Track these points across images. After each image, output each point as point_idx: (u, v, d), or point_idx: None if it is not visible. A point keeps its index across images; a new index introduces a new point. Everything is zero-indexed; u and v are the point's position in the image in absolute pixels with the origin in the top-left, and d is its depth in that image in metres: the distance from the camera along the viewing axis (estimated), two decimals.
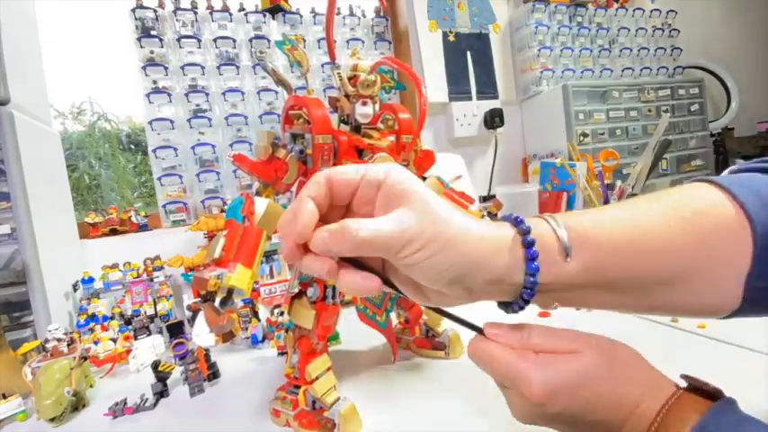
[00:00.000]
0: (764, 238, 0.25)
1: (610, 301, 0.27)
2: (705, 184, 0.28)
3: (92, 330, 0.72)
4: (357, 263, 0.24)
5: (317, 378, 0.42)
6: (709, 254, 0.26)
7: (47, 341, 0.60)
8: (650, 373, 0.26)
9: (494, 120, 1.35)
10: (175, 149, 1.04)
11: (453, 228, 0.24)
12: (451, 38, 1.36)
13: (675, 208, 0.27)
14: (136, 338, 0.71)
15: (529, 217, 0.27)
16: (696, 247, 0.26)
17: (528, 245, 0.25)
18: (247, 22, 1.12)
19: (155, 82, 1.03)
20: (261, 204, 0.40)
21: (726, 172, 0.32)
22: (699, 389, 0.25)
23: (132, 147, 1.51)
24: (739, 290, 0.26)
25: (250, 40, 1.11)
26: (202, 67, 1.07)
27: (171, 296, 0.82)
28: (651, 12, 1.56)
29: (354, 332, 0.63)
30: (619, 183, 0.95)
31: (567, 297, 0.27)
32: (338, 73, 0.46)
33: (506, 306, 0.28)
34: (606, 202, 0.95)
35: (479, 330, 0.27)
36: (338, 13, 1.21)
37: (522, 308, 0.27)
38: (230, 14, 1.10)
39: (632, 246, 0.26)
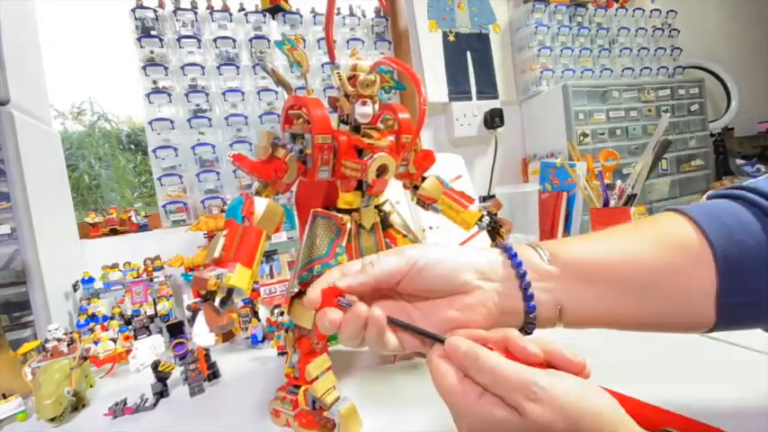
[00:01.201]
0: (724, 258, 0.28)
1: (597, 303, 0.30)
2: (673, 213, 0.32)
3: (92, 330, 0.72)
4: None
5: (316, 378, 0.42)
6: (676, 269, 0.29)
7: (47, 341, 0.60)
8: None
9: (494, 120, 1.35)
10: (175, 149, 1.04)
11: (442, 246, 0.31)
12: (451, 38, 1.36)
13: (644, 231, 0.32)
14: (136, 338, 0.71)
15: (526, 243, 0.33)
16: (662, 262, 0.30)
17: (507, 248, 0.31)
18: (247, 22, 1.12)
19: (155, 82, 1.03)
20: (260, 204, 0.40)
21: (703, 198, 0.37)
22: None
23: (132, 147, 1.52)
24: (711, 306, 0.29)
25: (250, 40, 1.11)
26: (202, 67, 1.07)
27: (171, 296, 0.82)
28: (651, 12, 1.56)
29: None
30: (619, 183, 0.95)
31: (564, 298, 0.30)
32: (338, 73, 0.46)
33: (522, 330, 0.31)
34: (606, 202, 0.95)
35: (440, 341, 0.28)
36: (338, 13, 1.21)
37: (531, 327, 0.30)
38: (230, 14, 1.10)
39: (604, 255, 0.30)
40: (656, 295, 0.30)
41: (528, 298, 0.29)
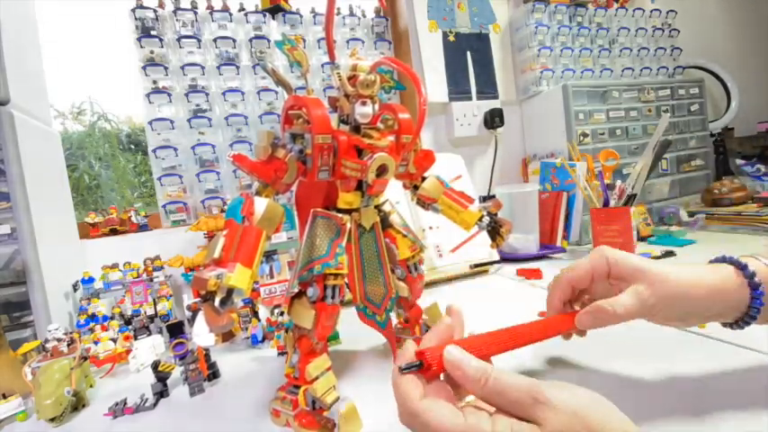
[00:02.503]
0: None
1: None
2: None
3: (92, 330, 0.72)
4: None
5: (316, 378, 0.42)
6: None
7: (47, 341, 0.60)
8: None
9: (494, 120, 1.35)
10: (175, 149, 1.04)
11: (682, 286, 0.34)
12: (451, 38, 1.36)
13: None
14: (136, 338, 0.71)
15: (740, 256, 0.37)
16: None
17: (755, 287, 0.35)
18: (247, 22, 1.12)
19: (155, 82, 1.03)
20: (260, 204, 0.40)
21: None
22: None
23: (132, 147, 1.52)
24: None
25: (250, 40, 1.11)
26: (202, 67, 1.07)
27: (171, 296, 0.82)
28: (651, 12, 1.56)
29: (354, 332, 0.63)
30: (619, 183, 0.95)
31: None
32: (338, 73, 0.46)
33: (730, 325, 0.38)
34: (606, 202, 0.95)
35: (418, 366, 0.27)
36: (338, 13, 1.22)
37: (747, 324, 0.37)
38: (230, 14, 1.10)
39: None
40: None
41: (757, 296, 0.34)
